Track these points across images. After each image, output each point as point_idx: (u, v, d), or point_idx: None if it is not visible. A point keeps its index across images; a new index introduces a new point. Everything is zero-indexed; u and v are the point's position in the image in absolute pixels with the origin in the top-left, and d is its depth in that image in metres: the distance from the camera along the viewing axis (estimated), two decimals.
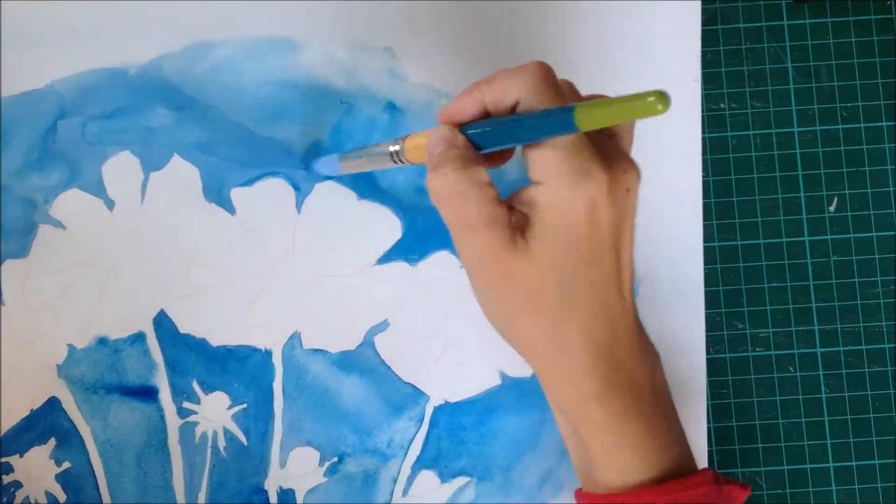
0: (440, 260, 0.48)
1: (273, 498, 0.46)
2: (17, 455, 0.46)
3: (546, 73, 0.37)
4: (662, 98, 0.29)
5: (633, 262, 0.40)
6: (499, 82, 0.38)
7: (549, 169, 0.37)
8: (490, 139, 0.38)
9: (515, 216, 0.38)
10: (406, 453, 0.47)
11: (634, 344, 0.39)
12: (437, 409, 0.47)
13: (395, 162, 0.41)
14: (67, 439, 0.46)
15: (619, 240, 0.38)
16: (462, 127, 0.38)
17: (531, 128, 0.36)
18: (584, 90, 0.48)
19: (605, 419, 0.39)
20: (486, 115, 0.38)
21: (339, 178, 0.48)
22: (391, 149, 0.40)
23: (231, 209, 0.47)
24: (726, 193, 0.49)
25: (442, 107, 0.39)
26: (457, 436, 0.47)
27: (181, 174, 0.47)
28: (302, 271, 0.47)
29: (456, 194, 0.38)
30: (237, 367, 0.47)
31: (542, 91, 0.37)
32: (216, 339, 0.47)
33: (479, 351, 0.48)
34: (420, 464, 0.47)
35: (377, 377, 0.47)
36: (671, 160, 0.48)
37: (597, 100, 0.33)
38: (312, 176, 0.47)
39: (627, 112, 0.31)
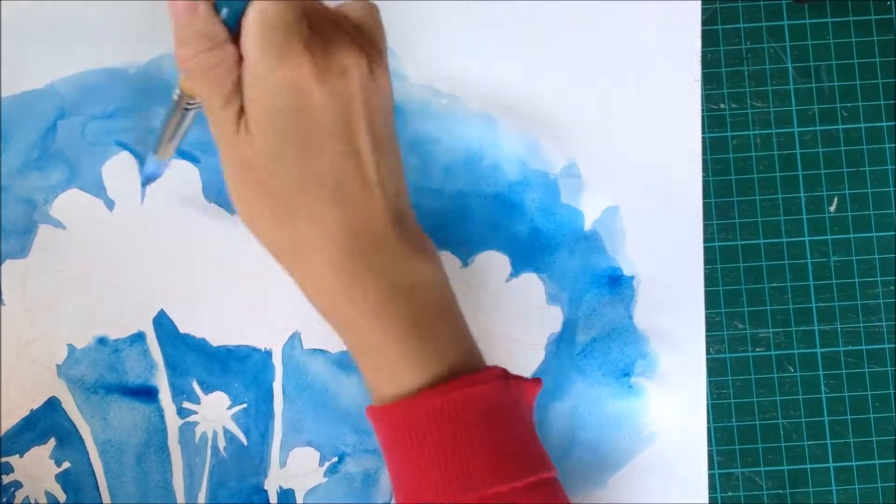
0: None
1: (273, 498, 0.46)
2: (17, 455, 0.46)
3: None
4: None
5: (394, 147, 0.36)
6: None
7: (251, 41, 0.34)
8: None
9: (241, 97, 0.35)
10: None
11: (391, 240, 0.35)
12: None
13: (186, 108, 0.40)
14: (67, 439, 0.46)
15: (346, 127, 0.34)
16: None
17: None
18: (586, 91, 0.48)
19: (358, 318, 0.35)
20: None
21: None
22: (174, 96, 0.41)
23: (231, 209, 0.47)
24: (726, 193, 0.49)
25: None
26: None
27: (181, 174, 0.47)
28: None
29: (203, 73, 0.35)
30: (237, 367, 0.47)
31: None
32: (216, 339, 0.47)
33: None
34: None
35: None
36: (671, 160, 0.48)
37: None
38: None
39: None
